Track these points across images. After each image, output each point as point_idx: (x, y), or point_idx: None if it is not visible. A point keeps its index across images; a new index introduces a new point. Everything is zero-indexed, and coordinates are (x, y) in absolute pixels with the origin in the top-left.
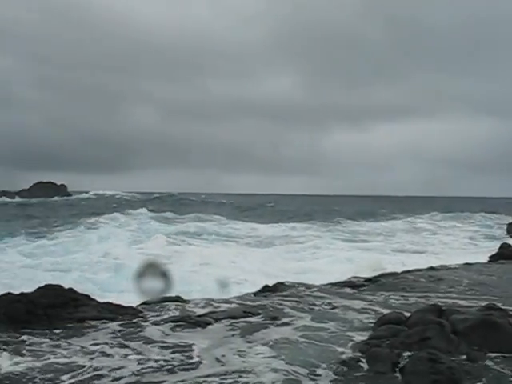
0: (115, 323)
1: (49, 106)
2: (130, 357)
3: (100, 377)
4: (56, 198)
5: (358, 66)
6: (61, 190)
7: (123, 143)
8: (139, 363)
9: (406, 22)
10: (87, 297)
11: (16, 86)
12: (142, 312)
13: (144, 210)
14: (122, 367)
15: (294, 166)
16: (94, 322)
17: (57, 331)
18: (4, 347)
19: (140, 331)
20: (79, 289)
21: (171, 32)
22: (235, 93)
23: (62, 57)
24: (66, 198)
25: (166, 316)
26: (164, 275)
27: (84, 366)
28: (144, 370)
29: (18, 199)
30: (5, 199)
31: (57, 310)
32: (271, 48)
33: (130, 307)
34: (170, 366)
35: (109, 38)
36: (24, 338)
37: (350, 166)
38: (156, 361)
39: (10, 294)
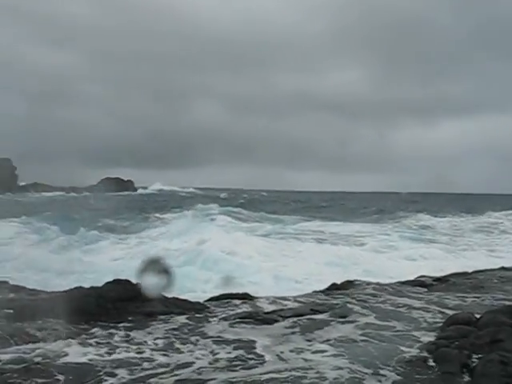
0: (182, 318)
1: (113, 102)
2: (195, 352)
3: (165, 371)
4: (126, 193)
5: (427, 56)
6: (128, 185)
7: (187, 139)
8: (205, 359)
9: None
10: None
11: (79, 82)
12: (208, 308)
13: (215, 206)
14: (188, 362)
15: (360, 162)
16: (161, 317)
17: (125, 324)
18: (74, 338)
19: (206, 327)
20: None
21: (235, 25)
22: (300, 87)
23: (125, 52)
24: (132, 193)
25: (232, 312)
26: (165, 272)
27: (149, 360)
28: (209, 366)
29: (86, 194)
30: (73, 195)
31: (125, 303)
32: (336, 39)
33: (197, 302)
34: (235, 362)
35: (172, 32)
36: (94, 330)
37: (418, 162)
38: (222, 357)
39: (80, 287)
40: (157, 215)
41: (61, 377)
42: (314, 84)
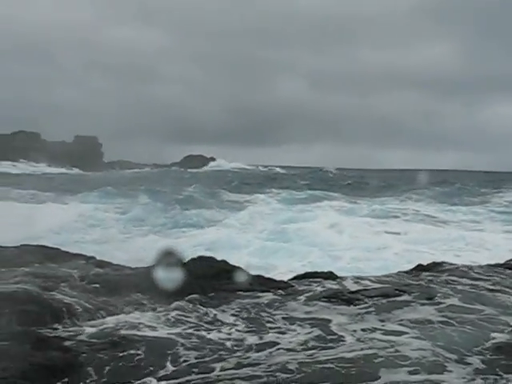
0: (266, 296)
1: (197, 79)
2: (278, 331)
3: (246, 349)
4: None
5: None
6: (210, 162)
7: (270, 116)
8: (286, 338)
9: None
10: (239, 269)
11: (163, 59)
12: (293, 286)
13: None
14: (270, 342)
15: (448, 139)
16: (245, 294)
17: (209, 301)
18: (158, 313)
19: (290, 305)
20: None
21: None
22: (387, 63)
23: (209, 29)
24: (215, 169)
25: (317, 291)
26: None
27: (231, 337)
28: (292, 345)
29: (172, 169)
30: (158, 171)
31: (209, 280)
32: (427, 13)
33: (282, 281)
34: (317, 342)
35: (256, 8)
36: (177, 305)
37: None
38: (304, 336)
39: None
40: (258, 193)
41: (144, 350)
42: (402, 60)
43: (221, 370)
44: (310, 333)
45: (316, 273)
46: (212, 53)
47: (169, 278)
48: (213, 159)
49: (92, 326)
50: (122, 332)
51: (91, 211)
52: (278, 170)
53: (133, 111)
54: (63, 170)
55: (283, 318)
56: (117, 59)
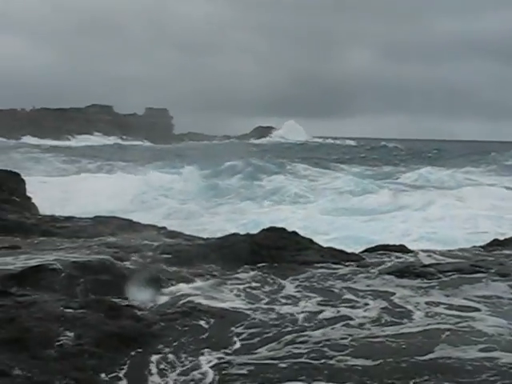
0: (337, 268)
1: (264, 51)
2: (352, 305)
3: (316, 323)
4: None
5: None
6: (280, 133)
7: (339, 87)
8: (361, 312)
9: None
10: (310, 241)
11: (230, 32)
12: (364, 259)
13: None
14: (345, 315)
15: None
16: (316, 266)
17: (279, 272)
18: (228, 284)
19: (362, 279)
20: None
21: None
22: (458, 30)
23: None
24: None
25: (388, 264)
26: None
27: (301, 310)
28: (365, 320)
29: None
30: (230, 142)
31: (280, 251)
32: None
33: (353, 253)
34: (390, 317)
35: None
36: (247, 276)
37: None
38: (377, 311)
39: (236, 234)
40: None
41: (214, 322)
42: (473, 27)
43: (291, 345)
44: (381, 307)
45: (388, 245)
46: (279, 24)
47: (238, 249)
48: (282, 130)
49: (163, 296)
50: (193, 302)
51: (165, 182)
52: (348, 142)
53: (201, 84)
54: (135, 143)
55: (354, 292)
56: (184, 33)
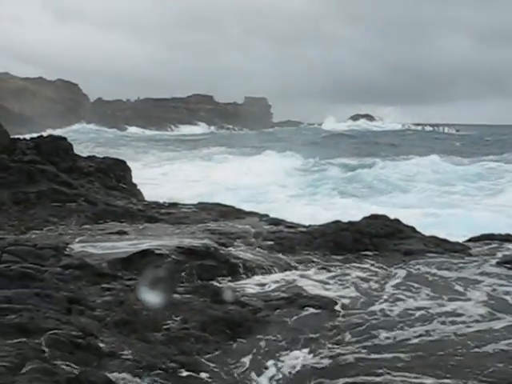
0: (440, 258)
1: (357, 40)
2: (460, 298)
3: (421, 316)
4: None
5: None
6: (379, 121)
7: (432, 74)
8: (470, 307)
9: None
10: (412, 229)
11: (324, 23)
12: (470, 249)
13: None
14: (454, 311)
15: None
16: (419, 255)
17: (382, 260)
18: (331, 272)
19: (467, 270)
20: None
21: None
22: None
23: None
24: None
25: (495, 255)
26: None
27: (406, 300)
28: (475, 318)
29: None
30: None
31: (382, 240)
32: None
33: (457, 243)
34: (498, 313)
35: None
36: (349, 265)
37: None
38: (485, 307)
39: (338, 221)
40: None
41: (319, 311)
42: None
43: (398, 338)
44: (492, 300)
45: (493, 235)
46: (372, 14)
47: (341, 237)
48: (380, 118)
49: (267, 282)
50: (297, 290)
51: (271, 168)
52: (447, 129)
53: (298, 73)
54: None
55: (462, 283)
56: (279, 25)
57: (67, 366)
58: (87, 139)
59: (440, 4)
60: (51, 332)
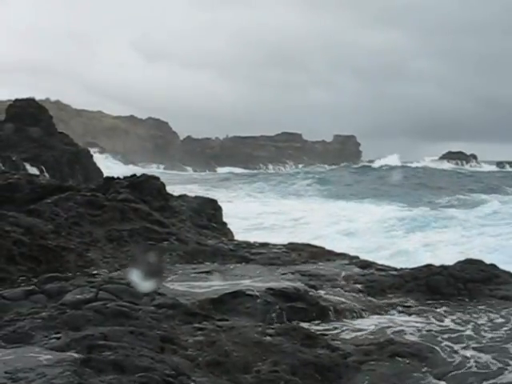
0: None
1: (445, 75)
2: None
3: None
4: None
5: None
6: (470, 159)
7: None
8: None
9: None
10: (510, 274)
11: (409, 58)
12: None
13: None
14: None
15: None
16: None
17: (477, 308)
18: (423, 317)
19: None
20: None
21: None
22: None
23: (450, 25)
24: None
25: None
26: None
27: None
28: None
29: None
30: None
31: (477, 285)
32: None
33: None
34: None
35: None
36: (442, 310)
37: None
38: None
39: (431, 265)
40: None
41: (410, 356)
42: None
43: None
44: None
45: None
46: (456, 48)
47: (433, 281)
48: (473, 156)
49: (357, 326)
50: (389, 335)
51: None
52: None
53: (387, 110)
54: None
55: None
56: (365, 62)
57: None
58: None
59: None
60: (145, 369)
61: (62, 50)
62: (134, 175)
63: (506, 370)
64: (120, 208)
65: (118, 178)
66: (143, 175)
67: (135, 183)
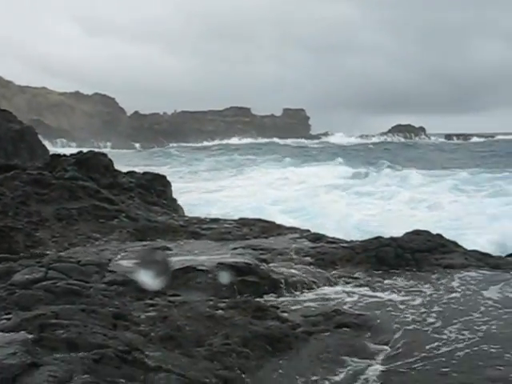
0: (480, 273)
1: (393, 48)
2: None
3: (441, 333)
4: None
5: None
6: (418, 132)
7: (471, 80)
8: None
9: None
10: (455, 243)
11: (359, 31)
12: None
13: None
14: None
15: None
16: (459, 270)
17: (422, 275)
18: (371, 288)
19: (507, 287)
20: None
21: None
22: None
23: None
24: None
25: None
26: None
27: (436, 316)
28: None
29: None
30: (362, 140)
31: (424, 255)
32: None
33: (500, 257)
34: None
35: None
36: (391, 281)
37: None
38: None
39: (380, 237)
40: None
41: (358, 326)
42: None
43: (439, 357)
44: None
45: None
46: (407, 21)
47: (382, 252)
48: (422, 128)
49: (308, 298)
50: (337, 306)
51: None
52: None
53: (337, 84)
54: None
55: (495, 296)
56: (313, 35)
57: (114, 380)
58: None
59: (478, 8)
60: (98, 346)
61: (3, 24)
62: (81, 152)
63: (448, 336)
64: (68, 186)
65: (65, 155)
66: (90, 152)
67: (82, 160)
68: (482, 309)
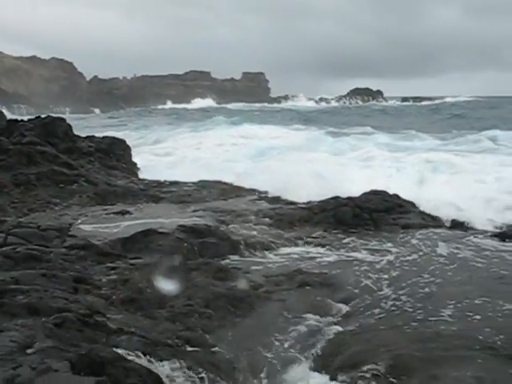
0: (435, 232)
1: (352, 13)
2: (441, 271)
3: (404, 285)
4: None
5: None
6: (376, 95)
7: (427, 45)
8: (441, 275)
9: None
10: (412, 204)
11: None
12: (462, 223)
13: None
14: (424, 282)
15: None
16: (417, 230)
17: (380, 234)
18: (330, 246)
19: (458, 242)
20: None
21: None
22: None
23: None
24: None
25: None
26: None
27: (395, 268)
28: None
29: (334, 104)
30: (323, 105)
31: (382, 214)
32: None
33: (454, 220)
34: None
35: None
36: (349, 239)
37: None
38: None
39: (338, 197)
40: None
41: (317, 284)
42: None
43: (391, 313)
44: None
45: None
46: None
47: (340, 212)
48: (380, 92)
49: (268, 259)
50: (297, 265)
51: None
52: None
53: (297, 48)
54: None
55: (447, 255)
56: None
57: (77, 343)
58: None
59: None
60: (60, 311)
61: None
62: (39, 117)
63: (399, 294)
64: (26, 151)
65: (22, 120)
66: (48, 117)
67: (40, 125)
68: (432, 268)
